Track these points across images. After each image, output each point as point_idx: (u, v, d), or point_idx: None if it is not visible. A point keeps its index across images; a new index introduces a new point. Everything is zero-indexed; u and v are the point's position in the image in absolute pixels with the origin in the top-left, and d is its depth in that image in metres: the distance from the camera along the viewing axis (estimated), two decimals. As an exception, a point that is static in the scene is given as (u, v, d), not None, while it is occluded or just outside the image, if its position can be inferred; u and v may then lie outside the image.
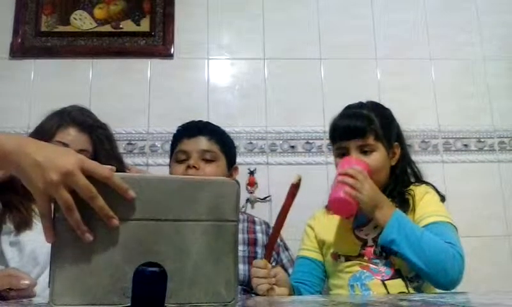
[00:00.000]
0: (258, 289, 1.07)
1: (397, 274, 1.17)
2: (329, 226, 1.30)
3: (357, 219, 1.27)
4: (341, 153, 1.28)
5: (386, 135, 1.27)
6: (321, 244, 1.32)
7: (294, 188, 1.06)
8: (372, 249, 1.21)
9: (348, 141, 1.26)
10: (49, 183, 0.62)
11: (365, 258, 1.21)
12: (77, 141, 1.34)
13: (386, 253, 1.18)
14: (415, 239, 1.09)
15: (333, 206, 1.20)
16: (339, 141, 1.28)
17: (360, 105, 1.33)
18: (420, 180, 1.33)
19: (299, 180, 1.06)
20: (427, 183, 1.30)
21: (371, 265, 1.20)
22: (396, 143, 1.31)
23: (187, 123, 1.55)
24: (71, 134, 1.35)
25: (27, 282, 1.00)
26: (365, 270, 1.20)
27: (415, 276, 1.17)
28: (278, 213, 1.08)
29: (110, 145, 1.43)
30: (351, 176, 1.16)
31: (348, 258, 1.23)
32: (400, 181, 1.29)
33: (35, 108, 1.81)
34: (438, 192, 1.27)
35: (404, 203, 1.23)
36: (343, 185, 1.15)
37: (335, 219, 1.31)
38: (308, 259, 1.33)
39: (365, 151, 1.25)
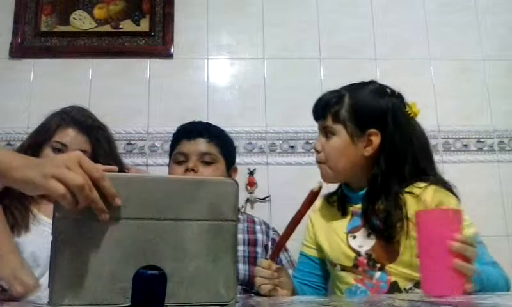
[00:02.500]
0: (261, 288, 1.06)
1: (394, 287, 1.09)
2: (325, 231, 1.25)
3: (352, 221, 1.20)
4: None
5: (355, 119, 1.14)
6: (320, 246, 1.27)
7: (313, 195, 1.04)
8: (365, 261, 1.13)
9: (317, 121, 1.23)
10: (55, 167, 0.63)
11: (359, 268, 1.14)
12: (76, 142, 1.35)
13: (381, 266, 1.11)
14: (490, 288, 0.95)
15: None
16: (316, 121, 1.25)
17: (342, 87, 1.22)
18: (427, 177, 1.12)
19: (320, 188, 1.04)
20: (443, 185, 1.11)
21: (366, 279, 1.13)
22: (373, 130, 1.13)
23: (187, 123, 1.54)
24: (70, 135, 1.35)
25: (20, 291, 1.00)
26: (359, 285, 1.13)
27: (412, 288, 1.09)
28: (292, 217, 1.08)
29: (109, 146, 1.43)
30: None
31: (343, 268, 1.17)
32: (391, 176, 1.11)
33: (35, 108, 1.81)
34: (454, 193, 1.11)
35: (394, 203, 1.09)
36: (458, 276, 0.78)
37: (331, 222, 1.24)
38: (307, 257, 1.29)
39: (328, 135, 1.17)
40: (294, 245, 1.44)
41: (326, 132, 1.18)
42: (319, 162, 1.20)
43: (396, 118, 1.16)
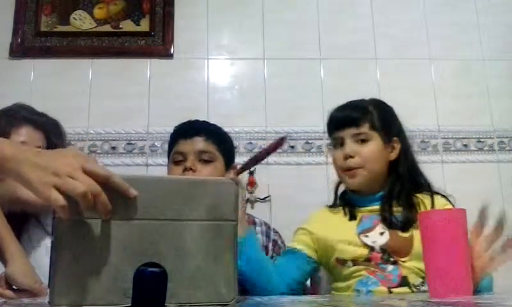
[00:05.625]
0: None
1: (404, 281, 1.14)
2: (332, 230, 1.25)
3: (362, 224, 1.22)
4: (337, 143, 1.28)
5: (384, 128, 1.26)
6: (323, 246, 1.26)
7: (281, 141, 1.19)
8: (379, 255, 1.17)
9: (343, 130, 1.26)
10: (56, 176, 0.61)
11: (372, 262, 1.17)
12: (31, 140, 1.32)
13: (395, 261, 1.15)
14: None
15: None
16: (335, 131, 1.28)
17: (360, 99, 1.33)
18: (431, 189, 1.26)
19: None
20: (442, 195, 1.24)
21: (378, 272, 1.16)
22: (396, 138, 1.28)
23: (183, 123, 1.52)
24: (23, 134, 1.32)
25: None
26: (371, 276, 1.16)
27: (422, 283, 1.13)
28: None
29: (62, 142, 1.42)
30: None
31: (355, 263, 1.19)
32: (405, 182, 1.24)
33: (35, 108, 1.80)
34: (450, 202, 1.23)
35: (411, 208, 1.19)
36: (465, 276, 0.78)
37: (338, 223, 1.26)
38: (301, 253, 1.25)
39: (360, 140, 1.24)
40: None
41: (357, 138, 1.25)
42: (352, 168, 1.24)
43: (405, 130, 1.32)
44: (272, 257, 1.40)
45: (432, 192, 1.24)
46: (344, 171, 1.26)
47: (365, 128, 1.24)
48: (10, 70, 1.89)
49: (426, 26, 2.02)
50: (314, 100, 1.91)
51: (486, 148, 1.92)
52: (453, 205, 1.22)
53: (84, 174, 0.62)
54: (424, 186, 1.27)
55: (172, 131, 1.56)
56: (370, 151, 1.23)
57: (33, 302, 0.83)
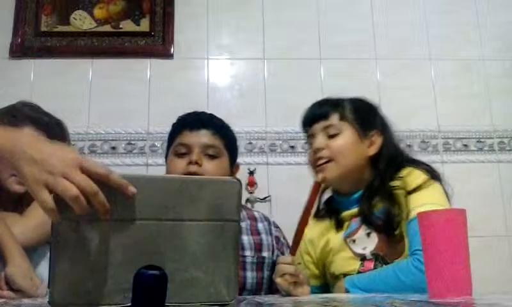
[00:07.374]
0: (285, 285, 1.01)
1: None
2: (322, 244, 1.21)
3: (347, 229, 1.16)
4: (310, 140, 1.22)
5: (359, 120, 1.19)
6: (321, 263, 1.23)
7: (318, 184, 1.09)
8: (372, 264, 1.10)
9: (313, 125, 1.21)
10: (50, 174, 0.60)
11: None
12: None
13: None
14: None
15: None
16: (308, 127, 1.24)
17: (336, 97, 1.27)
18: (408, 162, 1.18)
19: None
20: (416, 164, 1.15)
21: None
22: (375, 132, 1.19)
23: (190, 113, 1.42)
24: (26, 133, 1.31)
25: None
26: None
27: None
28: (302, 211, 1.07)
29: (65, 142, 1.40)
30: None
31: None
32: (386, 178, 1.15)
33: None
34: (429, 171, 1.13)
35: (391, 200, 1.11)
36: (465, 277, 0.79)
37: (326, 235, 1.21)
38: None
39: (331, 134, 1.17)
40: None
41: (328, 132, 1.18)
42: (320, 160, 1.17)
43: (389, 125, 1.24)
44: (275, 254, 1.34)
45: (412, 165, 1.14)
46: (316, 166, 1.18)
47: (333, 120, 1.18)
48: (10, 70, 1.89)
49: (426, 26, 2.02)
50: (314, 100, 1.89)
51: (486, 148, 1.92)
52: (428, 173, 1.12)
53: (80, 173, 0.60)
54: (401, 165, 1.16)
55: (175, 122, 1.45)
56: (340, 144, 1.16)
57: (33, 302, 0.83)
